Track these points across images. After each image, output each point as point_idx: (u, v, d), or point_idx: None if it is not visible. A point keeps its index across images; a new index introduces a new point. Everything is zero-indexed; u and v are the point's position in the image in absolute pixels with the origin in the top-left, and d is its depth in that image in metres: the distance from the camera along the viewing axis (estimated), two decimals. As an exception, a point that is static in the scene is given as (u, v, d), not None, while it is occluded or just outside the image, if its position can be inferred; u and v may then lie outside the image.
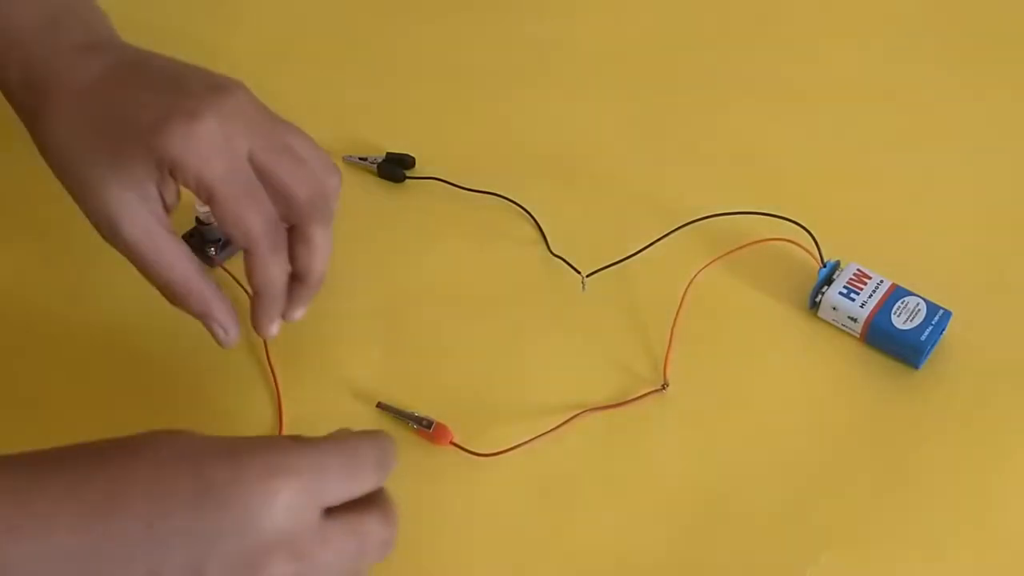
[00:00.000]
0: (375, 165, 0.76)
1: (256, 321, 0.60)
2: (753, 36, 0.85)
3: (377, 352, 0.67)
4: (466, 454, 0.63)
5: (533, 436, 0.63)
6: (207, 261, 0.70)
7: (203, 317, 0.60)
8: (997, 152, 0.78)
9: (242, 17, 0.86)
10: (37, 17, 0.59)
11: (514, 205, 0.74)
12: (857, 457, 0.63)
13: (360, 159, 0.77)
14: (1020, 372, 0.67)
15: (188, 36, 0.84)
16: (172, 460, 0.48)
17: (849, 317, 0.67)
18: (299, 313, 0.62)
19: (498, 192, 0.74)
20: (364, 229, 0.74)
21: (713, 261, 0.70)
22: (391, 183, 0.76)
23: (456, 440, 0.63)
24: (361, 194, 0.75)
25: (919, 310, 0.67)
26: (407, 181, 0.76)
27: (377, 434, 0.53)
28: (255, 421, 0.65)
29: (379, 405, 0.65)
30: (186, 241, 0.67)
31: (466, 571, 0.60)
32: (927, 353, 0.66)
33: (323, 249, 0.60)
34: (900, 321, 0.66)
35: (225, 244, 0.70)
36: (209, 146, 0.55)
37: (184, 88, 0.57)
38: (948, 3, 0.87)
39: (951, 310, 0.67)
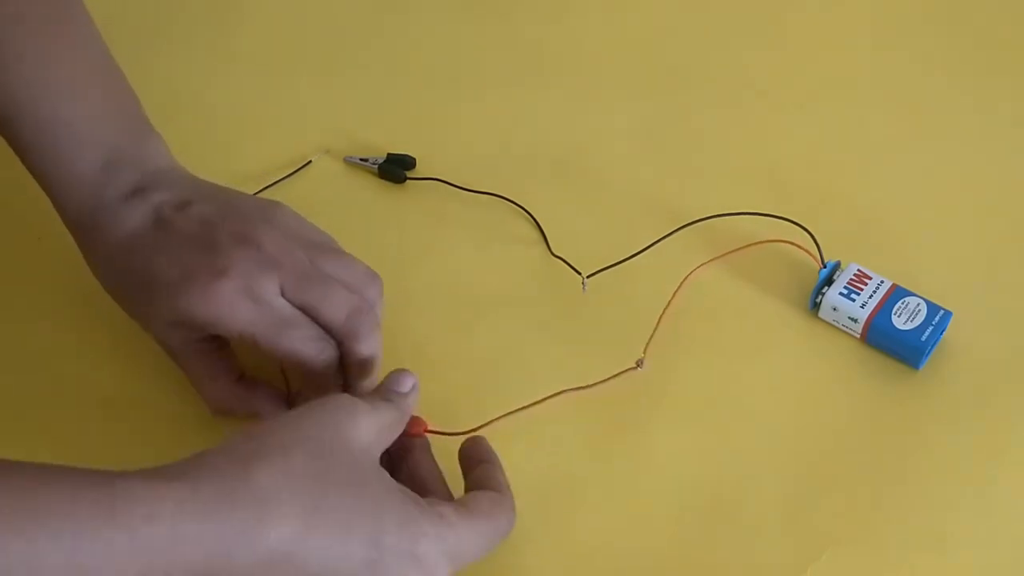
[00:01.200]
0: (376, 166, 0.76)
1: None
2: (753, 37, 0.85)
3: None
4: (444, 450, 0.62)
5: (509, 411, 0.63)
6: None
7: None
8: (997, 152, 0.78)
9: (243, 18, 0.86)
10: (95, 161, 0.63)
11: (515, 206, 0.74)
12: (858, 456, 0.63)
13: (361, 160, 0.77)
14: (1020, 372, 0.67)
15: (190, 37, 0.85)
16: (354, 505, 0.52)
17: (850, 318, 0.67)
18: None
19: (499, 193, 0.74)
20: (364, 229, 0.74)
21: (712, 260, 0.70)
22: (392, 184, 0.76)
23: (433, 427, 0.62)
24: (361, 194, 0.76)
25: (919, 310, 0.67)
26: (408, 182, 0.76)
27: (507, 499, 0.58)
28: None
29: None
30: None
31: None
32: (928, 353, 0.66)
33: (371, 361, 0.62)
34: (901, 321, 0.66)
35: None
36: (231, 300, 0.59)
37: (210, 243, 0.60)
38: (948, 3, 0.87)
39: (951, 310, 0.67)
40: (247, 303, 0.59)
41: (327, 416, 0.54)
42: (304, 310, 0.61)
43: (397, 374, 0.60)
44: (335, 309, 0.61)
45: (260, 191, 0.74)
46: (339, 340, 0.62)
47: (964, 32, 0.85)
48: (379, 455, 0.56)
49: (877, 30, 0.86)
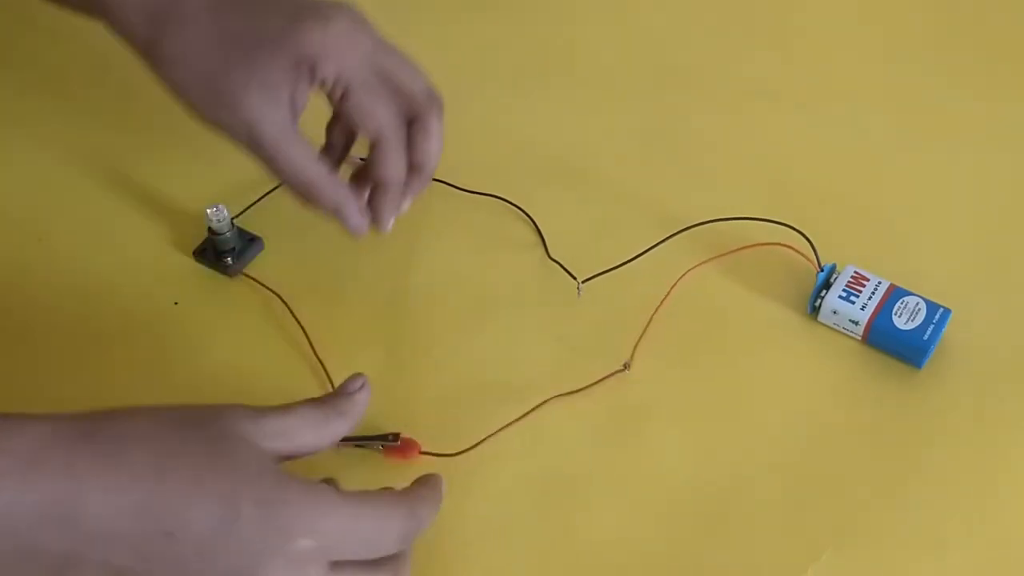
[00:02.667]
0: None
1: (378, 216, 0.65)
2: (751, 40, 0.86)
3: (380, 352, 0.68)
4: (442, 462, 0.62)
5: (498, 428, 0.63)
6: (225, 271, 0.71)
7: (335, 213, 0.64)
8: (995, 152, 0.78)
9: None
10: None
11: (513, 207, 0.74)
12: (860, 456, 0.63)
13: (361, 160, 0.76)
14: (1021, 371, 0.66)
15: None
16: (210, 462, 0.50)
17: (850, 320, 0.67)
18: (408, 204, 0.66)
19: (498, 194, 0.74)
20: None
21: (707, 261, 0.70)
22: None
23: (427, 449, 0.62)
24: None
25: (919, 309, 0.67)
26: (408, 182, 0.76)
27: (419, 499, 0.54)
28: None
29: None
30: (199, 253, 0.71)
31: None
32: (930, 352, 0.66)
33: (439, 139, 0.65)
34: (902, 321, 0.66)
35: (240, 252, 0.71)
36: (343, 42, 0.61)
37: None
38: (947, 4, 0.87)
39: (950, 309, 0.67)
40: (355, 50, 0.61)
41: (215, 407, 0.53)
42: (388, 76, 0.63)
43: (349, 380, 0.59)
44: (415, 80, 0.64)
45: (263, 196, 0.74)
46: (415, 113, 0.64)
47: (962, 33, 0.86)
48: (283, 451, 0.53)
49: (874, 33, 0.86)
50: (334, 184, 0.64)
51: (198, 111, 0.62)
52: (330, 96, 0.62)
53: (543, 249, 0.72)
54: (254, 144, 0.62)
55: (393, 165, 0.63)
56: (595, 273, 0.69)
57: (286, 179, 0.63)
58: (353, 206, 0.64)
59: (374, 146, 0.63)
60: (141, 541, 0.48)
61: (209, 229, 0.70)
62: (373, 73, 0.62)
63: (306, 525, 0.49)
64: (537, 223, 0.73)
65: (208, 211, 0.70)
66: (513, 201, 0.74)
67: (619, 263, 0.69)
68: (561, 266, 0.70)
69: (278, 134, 0.61)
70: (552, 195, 0.75)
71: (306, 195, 0.64)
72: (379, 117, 0.62)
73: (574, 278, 0.69)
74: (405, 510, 0.53)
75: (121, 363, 0.68)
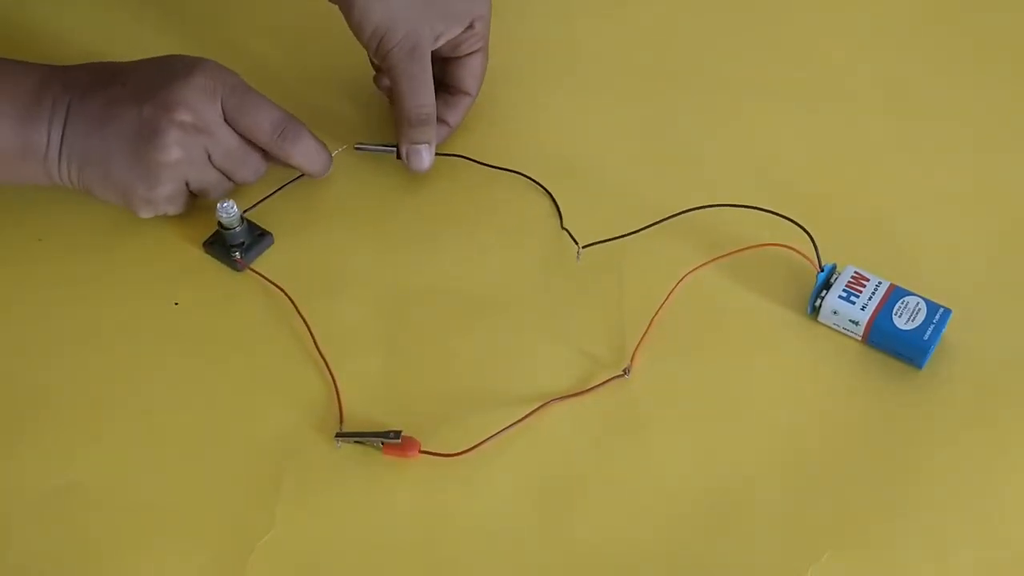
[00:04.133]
0: (394, 150, 0.75)
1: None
2: (754, 38, 0.86)
3: (382, 349, 0.68)
4: (442, 462, 0.62)
5: (498, 430, 0.63)
6: (234, 265, 0.71)
7: (425, 144, 0.75)
8: (995, 152, 0.78)
9: (250, 15, 0.87)
10: None
11: (532, 181, 0.75)
12: (860, 457, 0.63)
13: (375, 146, 0.76)
14: (1021, 371, 0.66)
15: (204, 28, 0.85)
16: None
17: (850, 320, 0.67)
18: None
19: (518, 170, 0.75)
20: (373, 212, 0.75)
21: (708, 262, 0.70)
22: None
23: (426, 448, 0.63)
24: (379, 171, 0.77)
25: (919, 309, 0.67)
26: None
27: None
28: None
29: (338, 435, 0.64)
30: (209, 246, 0.72)
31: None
32: (930, 352, 0.66)
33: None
34: (902, 322, 0.66)
35: (250, 247, 0.72)
36: (491, 9, 0.77)
37: None
38: (947, 4, 0.87)
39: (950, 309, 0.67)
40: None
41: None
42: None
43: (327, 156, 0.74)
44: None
45: (274, 191, 0.75)
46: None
47: (962, 33, 0.86)
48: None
49: (874, 32, 0.86)
50: (433, 128, 0.75)
51: (368, 14, 0.72)
52: (464, 47, 0.76)
53: (556, 221, 0.73)
54: (404, 66, 0.73)
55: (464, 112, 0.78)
56: (595, 240, 0.70)
57: (414, 102, 0.73)
58: (435, 145, 0.75)
59: (460, 97, 0.77)
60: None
61: (219, 223, 0.71)
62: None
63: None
64: (554, 197, 0.74)
65: (218, 206, 0.70)
66: (532, 176, 0.75)
67: (616, 235, 0.70)
68: (568, 233, 0.71)
69: (426, 66, 0.73)
70: (562, 187, 0.75)
71: (410, 122, 0.74)
72: (486, 65, 0.78)
73: (576, 243, 0.70)
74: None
75: (125, 356, 0.68)
